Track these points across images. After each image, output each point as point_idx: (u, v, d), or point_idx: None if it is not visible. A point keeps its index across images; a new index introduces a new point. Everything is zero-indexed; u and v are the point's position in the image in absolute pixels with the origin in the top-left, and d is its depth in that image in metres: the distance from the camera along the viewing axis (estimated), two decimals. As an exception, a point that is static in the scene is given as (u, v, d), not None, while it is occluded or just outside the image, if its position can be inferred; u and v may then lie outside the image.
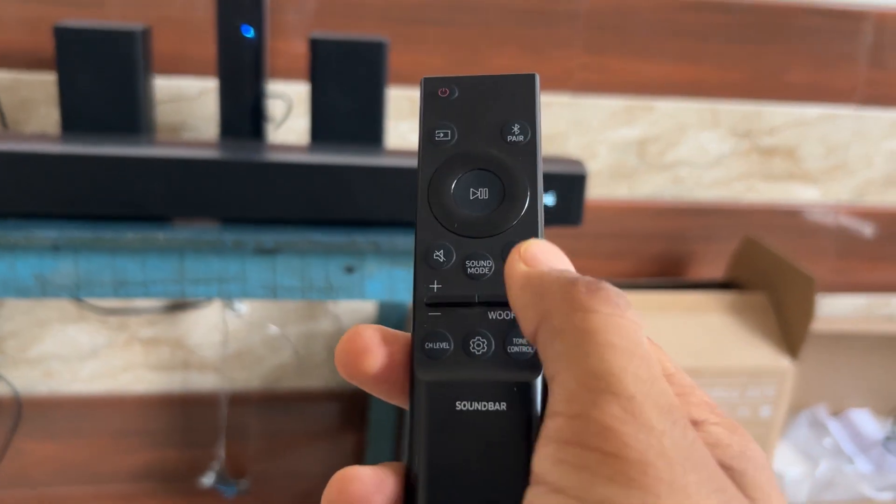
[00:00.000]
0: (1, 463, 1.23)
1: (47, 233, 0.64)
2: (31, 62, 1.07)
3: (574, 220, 0.77)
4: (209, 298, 1.20)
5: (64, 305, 1.17)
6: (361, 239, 0.70)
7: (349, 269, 0.73)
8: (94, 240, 0.64)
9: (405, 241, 0.71)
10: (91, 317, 1.18)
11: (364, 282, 0.73)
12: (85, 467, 1.26)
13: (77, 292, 0.67)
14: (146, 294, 0.68)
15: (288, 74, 1.13)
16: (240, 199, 0.70)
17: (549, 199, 0.74)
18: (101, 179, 0.68)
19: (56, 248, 0.65)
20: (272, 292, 0.71)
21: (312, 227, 0.72)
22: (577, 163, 0.77)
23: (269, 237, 0.68)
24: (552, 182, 0.75)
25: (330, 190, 0.71)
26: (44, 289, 0.66)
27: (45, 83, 1.07)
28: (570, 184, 0.75)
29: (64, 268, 0.66)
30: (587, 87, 1.21)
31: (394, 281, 0.73)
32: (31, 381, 1.21)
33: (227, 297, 0.70)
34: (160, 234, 0.65)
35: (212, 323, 1.22)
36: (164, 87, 1.10)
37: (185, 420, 1.27)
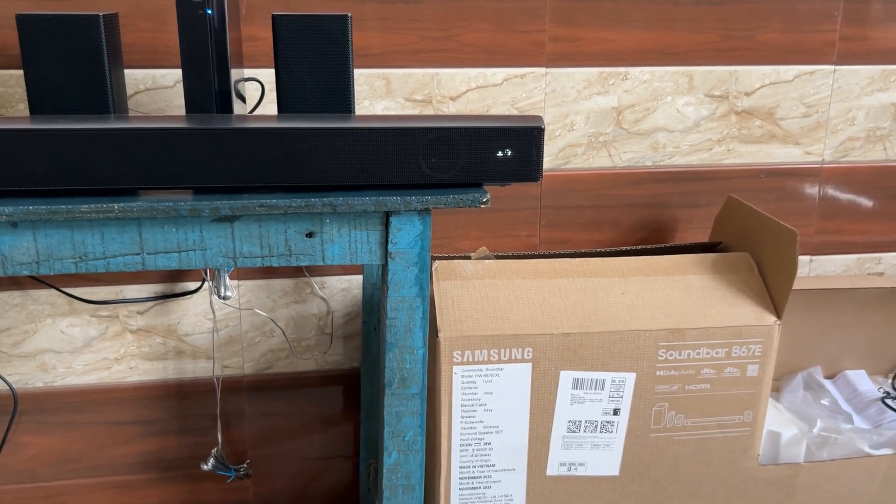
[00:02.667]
0: None
1: (3, 208, 0.65)
2: (6, 59, 1.08)
3: (534, 176, 0.77)
4: (195, 290, 1.22)
5: (55, 299, 1.19)
6: (317, 201, 0.70)
7: (310, 235, 0.73)
8: (50, 212, 0.65)
9: (362, 202, 0.71)
10: (82, 309, 1.20)
11: (324, 246, 0.74)
12: (84, 459, 1.28)
13: (38, 268, 0.68)
14: (107, 268, 0.69)
15: (263, 61, 1.14)
16: (199, 168, 0.71)
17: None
18: (60, 154, 0.69)
19: (14, 225, 0.66)
20: (233, 261, 0.72)
21: (273, 193, 0.73)
22: (536, 118, 0.77)
23: (224, 203, 0.69)
24: (509, 137, 0.75)
25: (288, 154, 0.72)
26: (4, 267, 0.67)
27: (20, 78, 1.09)
28: (527, 137, 0.75)
29: (23, 244, 0.67)
30: (559, 59, 1.21)
31: (354, 243, 0.74)
32: (26, 375, 1.22)
33: (189, 268, 0.71)
34: (115, 205, 0.66)
35: (201, 310, 1.23)
36: (140, 77, 1.12)
37: (181, 408, 1.28)
